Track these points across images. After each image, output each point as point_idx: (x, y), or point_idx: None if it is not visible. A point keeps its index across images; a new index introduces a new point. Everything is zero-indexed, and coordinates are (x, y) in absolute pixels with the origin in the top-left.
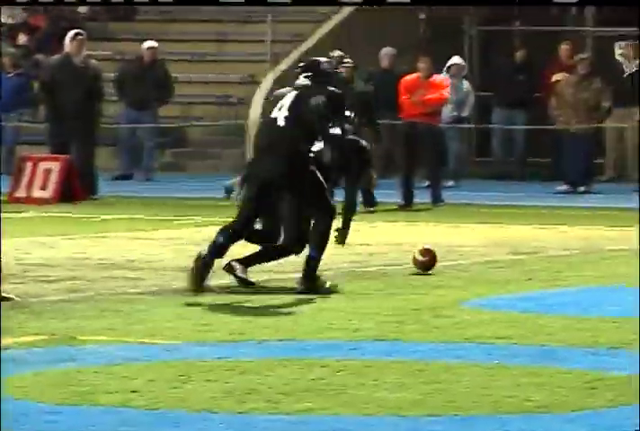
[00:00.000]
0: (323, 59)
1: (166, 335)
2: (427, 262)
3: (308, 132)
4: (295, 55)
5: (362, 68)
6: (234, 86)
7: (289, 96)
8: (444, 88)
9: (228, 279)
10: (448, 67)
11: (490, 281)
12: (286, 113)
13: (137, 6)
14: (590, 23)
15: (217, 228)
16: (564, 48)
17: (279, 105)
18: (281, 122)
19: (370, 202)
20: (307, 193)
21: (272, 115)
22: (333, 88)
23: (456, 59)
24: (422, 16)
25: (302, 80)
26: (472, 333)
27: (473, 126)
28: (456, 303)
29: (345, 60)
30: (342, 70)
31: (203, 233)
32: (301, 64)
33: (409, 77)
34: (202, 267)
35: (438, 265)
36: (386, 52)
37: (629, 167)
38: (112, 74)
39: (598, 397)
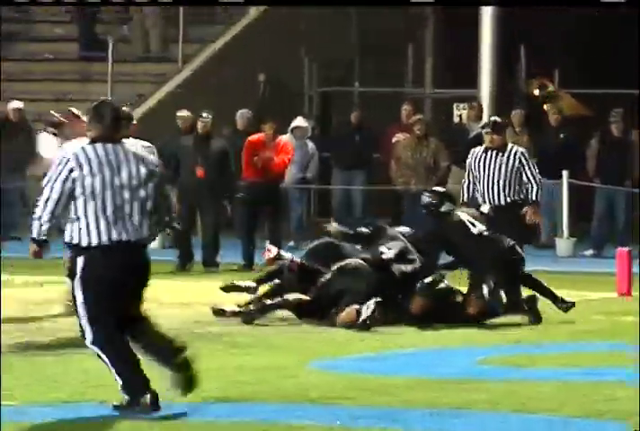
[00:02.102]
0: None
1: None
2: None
3: None
4: (135, 115)
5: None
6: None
7: None
8: (289, 152)
9: None
10: (292, 129)
11: (332, 342)
12: None
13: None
14: (428, 85)
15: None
16: (405, 108)
17: None
18: None
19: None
20: None
21: None
22: None
23: (300, 121)
24: (262, 78)
25: None
26: (315, 394)
27: (313, 186)
28: (299, 363)
29: (203, 115)
30: (199, 125)
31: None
32: None
33: (253, 138)
34: None
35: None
36: (242, 114)
37: None
38: None
39: None
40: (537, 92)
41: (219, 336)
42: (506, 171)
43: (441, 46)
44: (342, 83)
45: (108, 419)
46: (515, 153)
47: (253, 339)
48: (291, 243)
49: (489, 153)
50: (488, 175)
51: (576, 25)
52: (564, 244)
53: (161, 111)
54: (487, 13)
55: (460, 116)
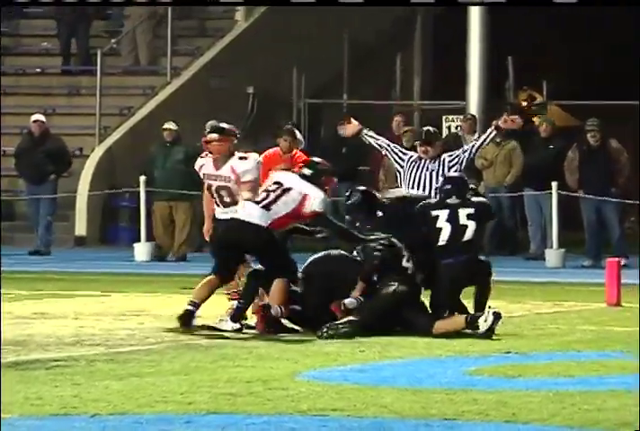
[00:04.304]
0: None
1: None
2: None
3: None
4: (124, 128)
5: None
6: None
7: None
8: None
9: None
10: None
11: (322, 353)
12: None
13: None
14: (416, 97)
15: (47, 301)
16: (396, 119)
17: None
18: None
19: None
20: None
21: None
22: None
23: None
24: (250, 90)
25: None
26: (306, 405)
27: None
28: (289, 375)
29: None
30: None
31: (29, 307)
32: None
33: (270, 152)
34: None
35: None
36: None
37: None
38: None
39: None
40: (525, 103)
41: (209, 348)
42: (437, 177)
43: (429, 58)
44: (330, 94)
45: None
46: (449, 161)
47: (242, 351)
48: None
49: (422, 160)
50: (419, 181)
51: (564, 37)
52: (553, 255)
53: (150, 124)
54: (475, 25)
55: (449, 127)
